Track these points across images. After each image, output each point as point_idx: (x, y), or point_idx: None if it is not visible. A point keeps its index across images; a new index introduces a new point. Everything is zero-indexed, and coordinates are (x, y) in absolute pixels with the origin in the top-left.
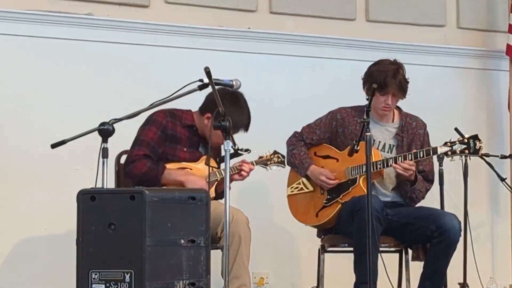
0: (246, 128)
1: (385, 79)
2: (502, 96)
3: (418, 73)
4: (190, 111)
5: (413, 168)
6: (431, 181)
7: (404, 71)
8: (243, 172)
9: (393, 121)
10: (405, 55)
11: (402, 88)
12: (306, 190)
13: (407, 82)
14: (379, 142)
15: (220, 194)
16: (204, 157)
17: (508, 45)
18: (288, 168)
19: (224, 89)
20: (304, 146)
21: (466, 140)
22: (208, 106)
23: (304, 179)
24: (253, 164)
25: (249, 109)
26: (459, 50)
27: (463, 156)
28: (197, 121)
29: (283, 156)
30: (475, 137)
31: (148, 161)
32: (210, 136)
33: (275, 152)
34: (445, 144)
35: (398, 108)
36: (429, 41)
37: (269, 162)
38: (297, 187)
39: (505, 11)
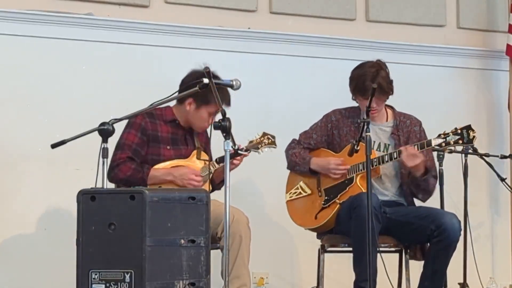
0: (228, 103)
1: (364, 83)
2: (502, 96)
3: (418, 73)
4: (169, 107)
5: (420, 158)
6: (435, 177)
7: (386, 71)
8: (235, 161)
9: (387, 120)
10: (405, 55)
11: (382, 90)
12: (304, 194)
13: (389, 82)
14: (374, 142)
15: (217, 186)
16: (195, 151)
17: (508, 45)
18: (285, 173)
19: (193, 72)
20: (303, 148)
21: (459, 131)
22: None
23: (301, 183)
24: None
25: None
26: (459, 50)
27: (463, 155)
28: (177, 114)
29: (273, 137)
30: (468, 127)
31: (132, 163)
32: (199, 124)
33: (264, 134)
34: (439, 136)
35: (391, 107)
36: (429, 41)
37: (260, 146)
38: (295, 192)
39: (505, 11)
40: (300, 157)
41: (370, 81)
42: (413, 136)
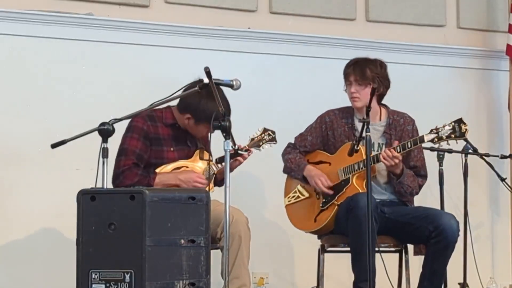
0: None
1: (346, 70)
2: (502, 96)
3: (418, 73)
4: (169, 108)
5: (396, 160)
6: (424, 176)
7: (377, 64)
8: (240, 158)
9: (380, 119)
10: (405, 55)
11: (363, 75)
12: (303, 197)
13: (371, 69)
14: None
15: (220, 182)
16: (198, 151)
17: (508, 45)
18: (282, 178)
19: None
20: (299, 153)
21: (452, 124)
22: (186, 104)
23: (299, 187)
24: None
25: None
26: (459, 50)
27: (463, 155)
28: (177, 118)
29: (273, 132)
30: (459, 121)
31: (138, 169)
32: (197, 134)
33: (264, 130)
34: (431, 131)
35: (385, 106)
36: (429, 41)
37: (261, 143)
38: (293, 196)
39: (505, 11)
40: (295, 163)
41: (349, 66)
42: (405, 135)
